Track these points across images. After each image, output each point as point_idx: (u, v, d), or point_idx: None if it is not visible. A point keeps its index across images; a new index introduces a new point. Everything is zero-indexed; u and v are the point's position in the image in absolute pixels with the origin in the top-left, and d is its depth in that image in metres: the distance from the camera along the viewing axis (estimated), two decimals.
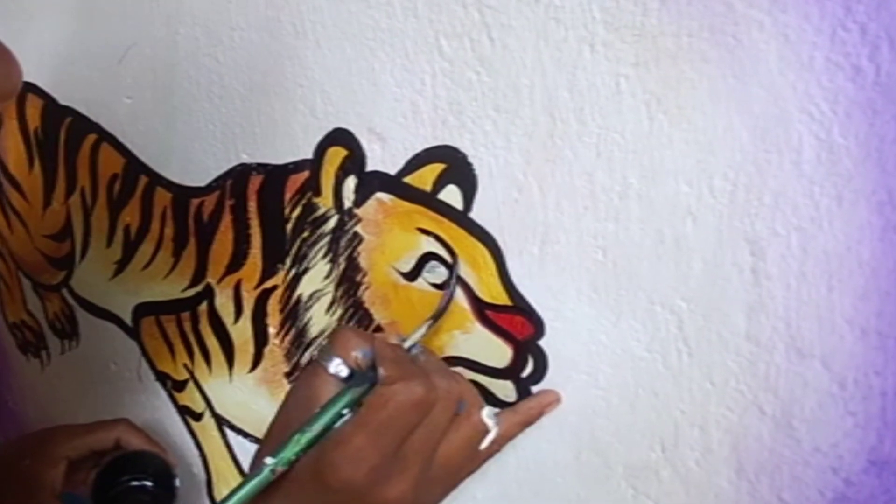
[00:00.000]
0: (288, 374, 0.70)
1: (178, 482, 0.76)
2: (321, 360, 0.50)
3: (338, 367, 0.50)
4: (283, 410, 0.52)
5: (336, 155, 0.60)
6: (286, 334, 0.68)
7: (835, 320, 0.43)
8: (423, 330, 0.54)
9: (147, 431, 0.80)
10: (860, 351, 0.43)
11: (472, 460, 0.52)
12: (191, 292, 0.75)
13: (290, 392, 0.52)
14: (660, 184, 0.46)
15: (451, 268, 0.55)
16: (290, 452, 0.47)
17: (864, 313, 0.42)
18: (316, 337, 0.66)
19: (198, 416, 0.81)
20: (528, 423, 0.55)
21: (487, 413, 0.52)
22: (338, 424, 0.48)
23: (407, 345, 0.53)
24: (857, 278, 0.42)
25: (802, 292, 0.44)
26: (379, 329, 0.61)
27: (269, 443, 0.50)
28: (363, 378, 0.49)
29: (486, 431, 0.52)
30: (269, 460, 0.47)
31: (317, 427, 0.47)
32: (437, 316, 0.55)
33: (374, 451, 0.46)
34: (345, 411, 0.48)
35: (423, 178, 0.56)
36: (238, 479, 0.78)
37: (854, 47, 0.39)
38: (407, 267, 0.58)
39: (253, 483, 0.47)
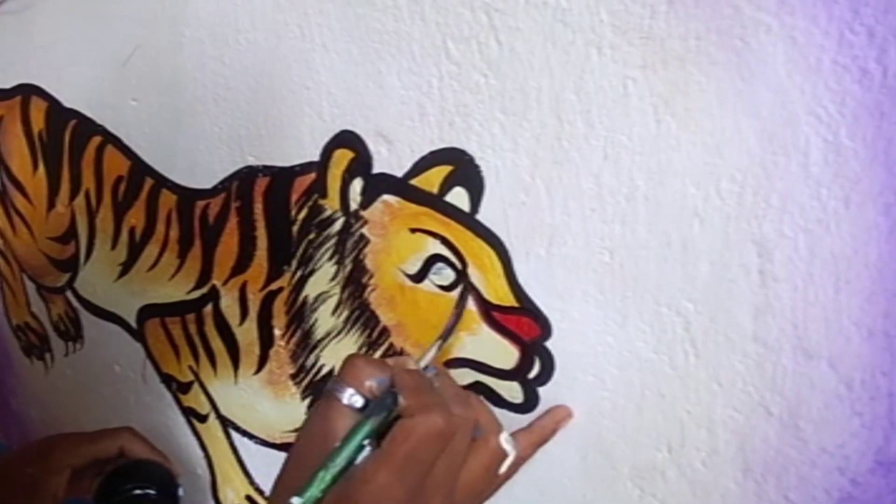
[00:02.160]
0: (293, 376, 0.70)
1: (181, 491, 0.76)
2: (334, 392, 0.49)
3: (352, 398, 0.49)
4: (299, 445, 0.51)
5: (343, 157, 0.60)
6: (292, 336, 0.68)
7: (842, 322, 0.44)
8: (433, 351, 0.54)
9: (152, 435, 0.80)
10: (867, 352, 0.43)
11: (492, 484, 0.52)
12: (196, 294, 0.76)
13: (305, 426, 0.51)
14: (667, 186, 0.47)
15: (461, 283, 0.55)
16: (315, 490, 0.46)
17: (871, 314, 0.43)
18: (322, 339, 0.66)
19: (203, 418, 0.81)
20: (543, 441, 0.55)
21: (505, 438, 0.52)
22: (360, 458, 0.47)
23: (421, 365, 0.53)
24: (864, 280, 0.42)
25: (809, 294, 0.44)
26: (385, 331, 0.62)
27: (288, 479, 0.49)
28: (380, 406, 0.48)
29: (505, 456, 0.52)
30: (295, 500, 0.46)
31: (339, 461, 0.46)
32: (447, 335, 0.55)
33: (399, 487, 0.46)
34: (365, 442, 0.47)
35: (430, 181, 0.56)
36: (243, 480, 0.79)
37: (861, 50, 0.39)
38: (413, 269, 0.58)
39: None
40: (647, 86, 0.46)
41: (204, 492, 0.85)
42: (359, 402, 0.49)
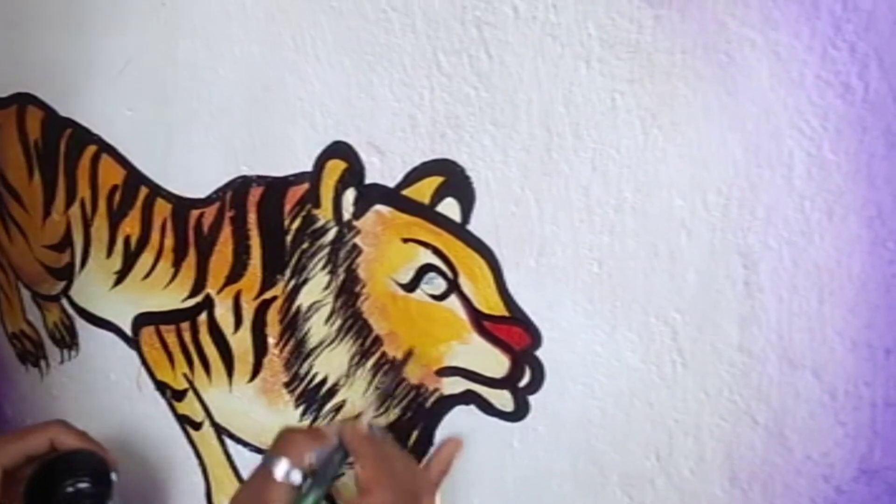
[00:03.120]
0: (287, 384, 0.70)
1: (114, 476, 0.74)
2: (271, 468, 0.50)
3: (290, 475, 0.50)
4: None
5: (335, 167, 0.61)
6: (285, 344, 0.69)
7: (826, 332, 0.44)
8: (371, 411, 0.57)
9: (146, 443, 0.80)
10: (851, 362, 0.44)
11: None
12: (191, 303, 0.76)
13: (238, 498, 0.52)
14: (654, 198, 0.47)
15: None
16: None
17: (855, 325, 0.43)
18: (315, 347, 0.66)
19: (197, 426, 0.81)
20: (446, 473, 0.57)
21: (438, 499, 0.54)
22: None
23: (365, 422, 0.55)
24: (848, 291, 0.43)
25: (794, 304, 0.45)
26: (377, 340, 0.62)
27: None
28: (321, 479, 0.50)
29: None
30: None
31: None
32: (382, 398, 0.59)
33: None
34: None
35: (422, 191, 0.56)
36: (237, 487, 0.79)
37: (844, 65, 0.40)
38: (405, 278, 0.59)
39: None
40: (635, 99, 0.47)
41: (199, 499, 0.86)
42: (297, 478, 0.50)
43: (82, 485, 0.72)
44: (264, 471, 0.50)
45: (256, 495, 0.50)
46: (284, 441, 0.51)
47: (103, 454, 0.74)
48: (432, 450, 0.57)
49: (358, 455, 0.50)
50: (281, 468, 0.50)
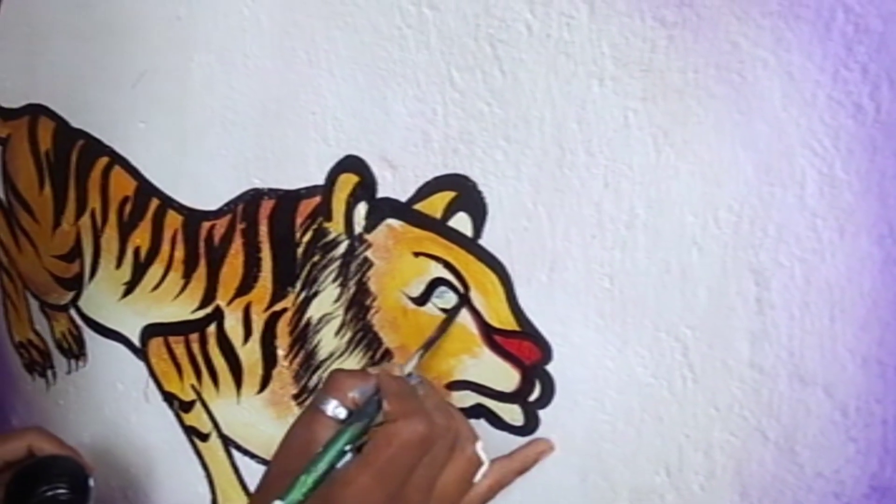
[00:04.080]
0: (296, 396, 0.70)
1: (91, 481, 0.75)
2: (318, 404, 0.51)
3: (336, 410, 0.51)
4: (281, 454, 0.52)
5: (347, 181, 0.61)
6: (295, 356, 0.69)
7: (837, 349, 0.44)
8: (416, 358, 0.56)
9: (153, 454, 0.80)
10: (862, 379, 0.44)
11: (465, 492, 0.53)
12: (200, 314, 0.76)
13: (288, 436, 0.52)
14: (666, 214, 0.48)
15: (463, 307, 0.56)
16: (297, 493, 0.47)
17: (866, 343, 0.44)
18: (325, 359, 0.67)
19: (204, 437, 0.81)
20: (523, 470, 0.56)
21: (480, 446, 0.53)
22: (341, 463, 0.48)
23: (406, 371, 0.54)
24: (859, 309, 0.43)
25: (805, 322, 0.45)
26: (388, 353, 0.62)
27: (270, 485, 0.51)
28: (363, 413, 0.50)
29: (480, 464, 0.53)
30: (277, 503, 0.47)
31: (322, 466, 0.48)
32: (430, 344, 0.57)
33: (380, 489, 0.47)
34: (347, 448, 0.49)
35: (434, 206, 0.57)
36: (244, 500, 0.79)
37: (855, 86, 0.41)
38: (416, 292, 0.59)
39: None
40: (647, 117, 0.47)
41: None
42: (342, 413, 0.50)
43: (60, 490, 0.73)
44: (313, 407, 0.51)
45: (305, 429, 0.51)
46: (331, 380, 0.52)
47: (80, 460, 0.75)
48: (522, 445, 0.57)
49: (384, 391, 0.50)
50: (329, 404, 0.51)
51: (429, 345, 0.57)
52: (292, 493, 0.47)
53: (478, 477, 0.53)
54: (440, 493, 0.51)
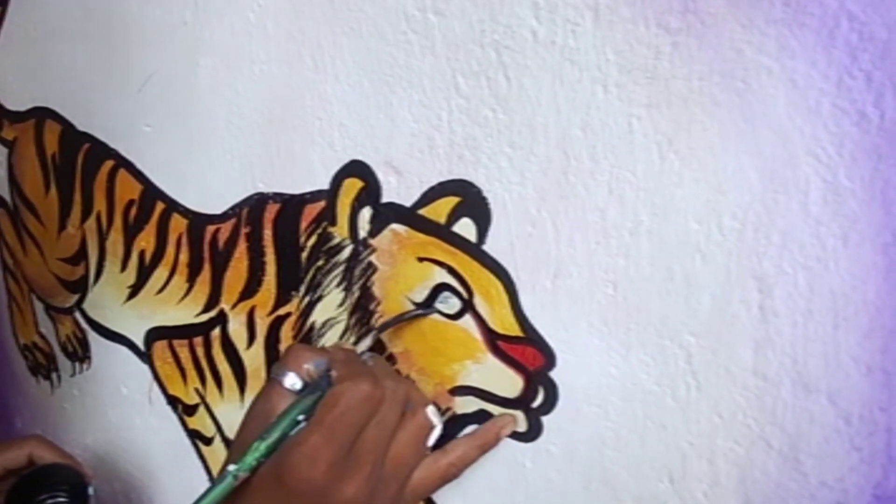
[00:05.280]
0: None
1: (91, 490, 0.76)
2: (276, 376, 0.53)
3: (293, 381, 0.53)
4: (243, 425, 0.54)
5: (352, 186, 0.61)
6: None
7: (840, 357, 0.44)
8: (368, 340, 0.59)
9: (157, 457, 0.80)
10: (866, 387, 0.44)
11: (420, 457, 0.55)
12: (204, 318, 0.77)
13: (250, 408, 0.54)
14: (670, 221, 0.48)
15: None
16: (251, 458, 0.49)
17: (870, 351, 0.44)
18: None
19: (208, 441, 0.82)
20: (485, 446, 0.58)
21: (432, 410, 0.55)
22: (294, 431, 0.50)
23: (359, 349, 0.56)
24: (863, 317, 0.43)
25: (809, 329, 0.45)
26: (391, 358, 0.62)
27: (231, 456, 0.53)
28: (316, 386, 0.52)
29: (432, 427, 0.55)
30: (231, 467, 0.49)
31: (275, 434, 0.50)
32: (383, 328, 0.60)
33: (330, 448, 0.48)
34: (300, 418, 0.50)
35: (438, 211, 0.57)
36: None
37: (860, 94, 0.41)
38: (420, 297, 0.59)
39: (217, 490, 0.49)
40: (652, 124, 0.47)
41: None
42: (298, 384, 0.53)
43: (60, 499, 0.74)
44: (272, 381, 0.54)
45: (264, 400, 0.53)
46: (288, 353, 0.55)
47: (80, 468, 0.76)
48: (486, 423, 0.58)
49: (333, 360, 0.53)
50: (286, 377, 0.53)
51: (383, 327, 0.59)
52: (245, 458, 0.49)
53: (430, 440, 0.55)
54: (394, 456, 0.52)
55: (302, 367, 0.53)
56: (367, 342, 0.57)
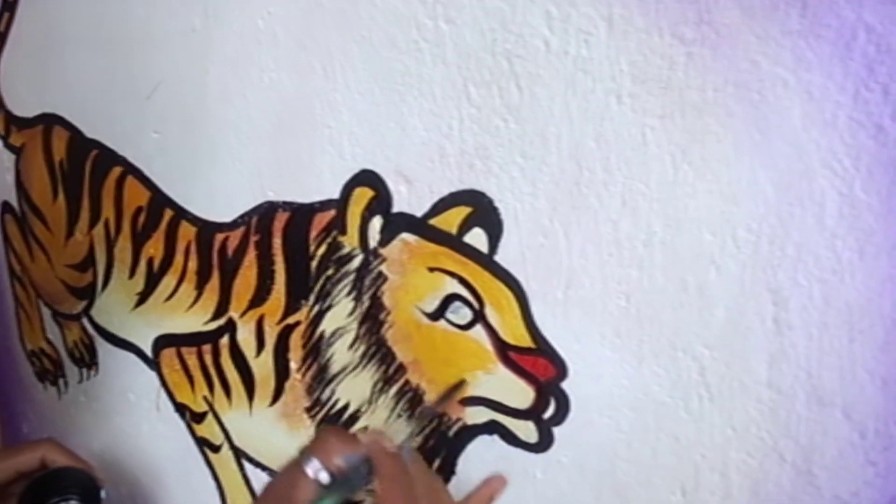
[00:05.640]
0: (308, 409, 0.70)
1: (103, 493, 0.76)
2: (302, 463, 0.51)
3: (318, 473, 0.51)
4: (261, 502, 0.53)
5: (363, 195, 0.61)
6: (308, 369, 0.69)
7: (856, 370, 0.44)
8: (408, 431, 0.57)
9: (164, 464, 0.80)
10: (881, 401, 0.44)
11: None
12: (213, 325, 0.76)
13: (268, 489, 0.53)
14: (684, 233, 0.48)
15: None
16: None
17: (885, 364, 0.43)
18: (338, 373, 0.66)
19: (216, 448, 0.81)
20: None
21: None
22: None
23: (398, 443, 0.54)
24: (878, 330, 0.43)
25: (824, 342, 0.45)
26: (401, 368, 0.62)
27: None
28: (344, 485, 0.50)
29: None
30: None
31: None
32: (423, 415, 0.59)
33: None
34: None
35: (449, 221, 0.57)
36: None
37: (877, 107, 0.40)
38: (430, 307, 0.59)
39: None
40: (666, 135, 0.47)
41: None
42: (325, 478, 0.51)
43: (72, 502, 0.74)
44: (296, 466, 0.51)
45: (286, 487, 0.51)
46: (319, 440, 0.53)
47: (92, 472, 0.76)
48: (477, 486, 0.57)
49: (379, 471, 0.51)
50: (312, 466, 0.51)
51: (423, 414, 0.59)
52: None
53: None
54: None
55: (332, 461, 0.51)
56: (405, 434, 0.56)
